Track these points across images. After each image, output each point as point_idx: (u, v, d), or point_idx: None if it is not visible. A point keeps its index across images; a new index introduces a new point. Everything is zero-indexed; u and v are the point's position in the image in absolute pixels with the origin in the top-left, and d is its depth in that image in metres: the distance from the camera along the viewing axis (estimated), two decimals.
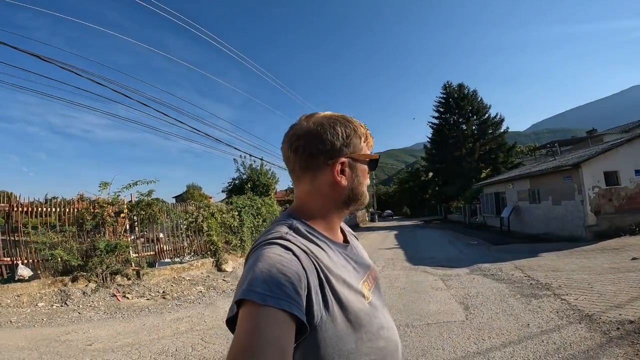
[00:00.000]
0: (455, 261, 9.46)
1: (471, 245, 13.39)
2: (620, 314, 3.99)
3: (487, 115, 33.32)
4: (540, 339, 3.54)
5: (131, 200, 7.85)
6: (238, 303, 0.57)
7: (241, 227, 10.54)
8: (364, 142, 0.79)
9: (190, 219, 8.96)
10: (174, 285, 7.03)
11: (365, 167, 0.79)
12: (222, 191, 17.44)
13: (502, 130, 32.70)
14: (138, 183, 7.71)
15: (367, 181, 0.81)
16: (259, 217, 11.86)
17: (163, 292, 6.62)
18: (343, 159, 0.76)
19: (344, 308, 0.65)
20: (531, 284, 6.01)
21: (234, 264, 9.16)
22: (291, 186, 28.11)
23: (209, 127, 63.14)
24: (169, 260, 8.12)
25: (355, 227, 30.66)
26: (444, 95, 35.23)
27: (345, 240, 0.84)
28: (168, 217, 8.61)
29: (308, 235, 0.72)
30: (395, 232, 22.93)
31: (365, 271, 0.80)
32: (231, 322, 0.58)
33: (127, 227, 7.73)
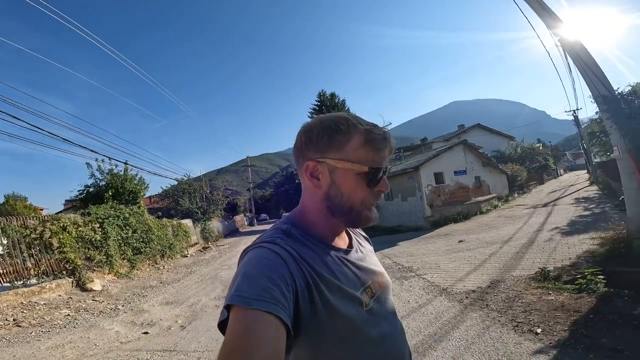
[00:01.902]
0: None
1: None
2: (464, 286, 5.28)
3: None
4: (421, 312, 4.44)
5: None
6: (227, 307, 0.58)
7: (106, 241, 9.16)
8: (368, 149, 0.70)
9: (33, 235, 7.32)
10: (26, 311, 5.74)
11: (355, 177, 0.70)
12: (70, 200, 14.60)
13: None
14: None
15: (362, 194, 0.71)
16: (128, 228, 10.52)
17: (14, 319, 5.38)
18: (311, 162, 0.72)
19: (334, 314, 0.64)
20: (399, 268, 7.28)
21: (103, 282, 7.97)
22: (161, 191, 25.55)
23: (44, 122, 50.81)
24: (8, 285, 6.49)
25: (235, 232, 29.95)
26: (318, 103, 37.93)
27: (350, 245, 0.82)
28: (4, 234, 6.83)
29: (301, 239, 0.71)
30: None
31: (370, 277, 0.78)
32: (222, 326, 0.59)
33: None
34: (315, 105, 38.24)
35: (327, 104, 37.32)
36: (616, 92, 5.12)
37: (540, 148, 32.61)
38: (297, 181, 49.96)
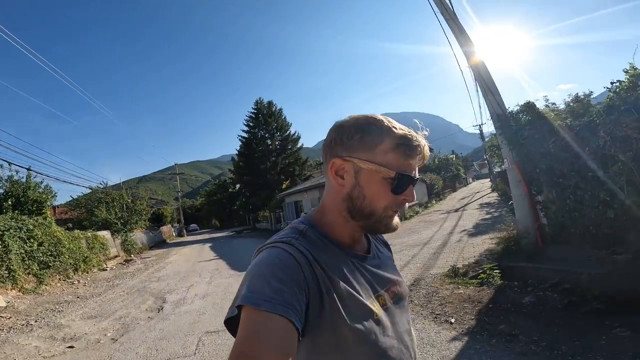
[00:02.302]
0: None
1: None
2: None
3: (288, 132, 37.74)
4: None
5: None
6: (238, 307, 0.58)
7: (7, 255, 8.02)
8: (398, 154, 0.67)
9: None
10: None
11: (380, 181, 0.67)
12: None
13: (298, 146, 37.84)
14: None
15: (386, 200, 0.68)
16: (32, 240, 9.31)
17: None
18: (338, 160, 0.70)
19: (341, 321, 0.63)
20: None
21: (7, 298, 7.09)
22: (72, 200, 22.71)
23: None
24: None
25: (162, 243, 27.89)
26: (255, 111, 37.44)
27: (368, 251, 0.80)
28: None
29: (317, 241, 0.70)
30: (209, 244, 22.74)
31: (385, 285, 0.76)
32: (229, 323, 0.60)
33: None
34: (251, 113, 37.74)
35: (264, 112, 37.14)
36: (508, 111, 6.00)
37: (454, 159, 36.79)
38: (230, 190, 48.24)
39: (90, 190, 22.18)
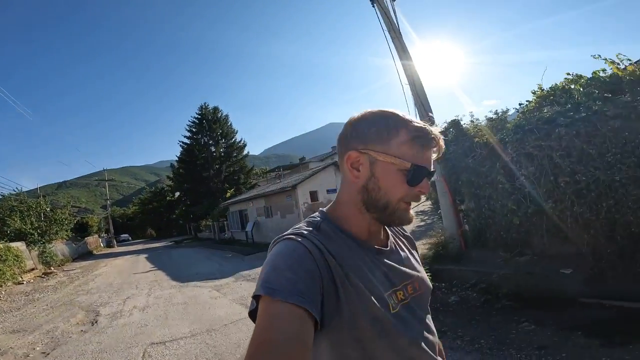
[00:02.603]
0: (219, 273, 10.33)
1: (227, 258, 14.71)
2: None
3: (233, 139, 36.88)
4: None
5: None
6: (256, 297, 0.60)
7: None
8: (414, 145, 0.68)
9: None
10: None
11: (395, 173, 0.68)
12: None
13: (244, 154, 37.12)
14: None
15: (401, 192, 0.69)
16: None
17: None
18: (354, 152, 0.70)
19: (357, 313, 0.63)
20: None
21: None
22: None
23: None
24: None
25: (88, 255, 25.32)
26: (199, 116, 36.07)
27: (386, 245, 0.79)
28: None
29: (332, 234, 0.70)
30: (145, 255, 21.27)
31: (403, 280, 0.75)
32: (252, 315, 0.61)
33: None
34: (195, 118, 36.34)
35: (209, 117, 35.97)
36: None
37: None
38: (168, 198, 45.38)
39: (2, 197, 19.45)
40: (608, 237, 3.76)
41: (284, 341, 0.51)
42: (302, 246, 0.64)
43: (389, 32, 6.64)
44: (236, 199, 24.37)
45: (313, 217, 0.76)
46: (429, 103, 6.80)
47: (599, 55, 4.00)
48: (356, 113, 0.74)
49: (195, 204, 33.89)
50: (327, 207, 0.79)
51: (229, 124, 37.26)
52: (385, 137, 0.68)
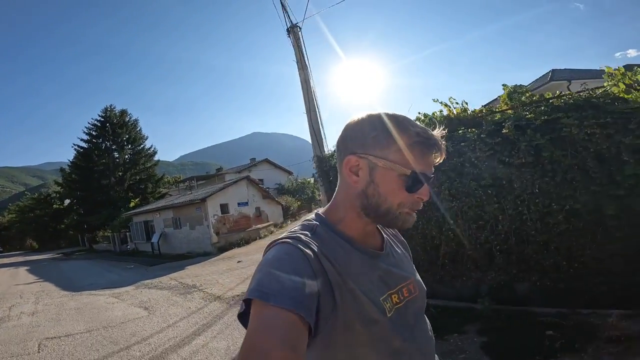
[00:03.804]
0: (119, 283, 10.11)
1: (129, 269, 14.09)
2: (233, 293, 6.87)
3: (142, 146, 34.51)
4: (199, 312, 5.88)
5: None
6: (247, 301, 0.59)
7: None
8: (414, 151, 0.67)
9: None
10: None
11: (395, 178, 0.67)
12: None
13: (153, 162, 34.92)
14: None
15: (400, 198, 0.68)
16: None
17: None
18: (353, 156, 0.69)
19: (352, 318, 0.63)
20: (184, 286, 8.33)
21: None
22: None
23: None
24: None
25: None
26: (102, 119, 32.93)
27: (381, 248, 0.79)
28: None
29: (328, 238, 0.70)
30: (26, 267, 18.82)
31: (399, 283, 0.75)
32: (241, 317, 0.61)
33: None
34: (97, 121, 33.10)
35: (114, 121, 33.10)
36: (326, 153, 7.05)
37: (310, 182, 40.62)
38: (55, 205, 39.42)
39: None
40: (422, 247, 5.00)
41: (275, 347, 0.51)
42: (297, 250, 0.63)
43: (297, 62, 7.59)
44: (141, 209, 23.07)
45: (309, 219, 0.76)
46: (320, 133, 7.95)
47: (437, 99, 4.66)
48: (356, 116, 0.73)
49: (91, 214, 30.53)
50: (323, 209, 0.78)
51: (138, 129, 34.77)
52: (385, 143, 0.67)
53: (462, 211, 4.06)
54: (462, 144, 4.05)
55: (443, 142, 0.70)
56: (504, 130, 3.68)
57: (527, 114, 3.71)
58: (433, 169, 0.71)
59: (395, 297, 0.72)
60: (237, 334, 4.53)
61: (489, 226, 3.91)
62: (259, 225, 18.69)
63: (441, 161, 0.72)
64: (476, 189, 3.93)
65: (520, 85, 4.40)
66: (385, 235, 0.83)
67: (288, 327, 0.53)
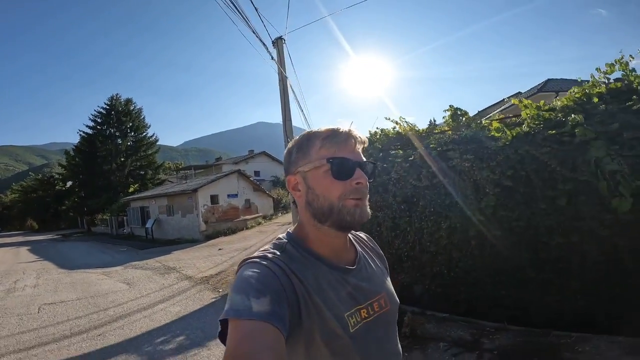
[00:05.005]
0: (111, 263, 11.42)
1: (121, 251, 15.28)
2: (203, 275, 8.12)
3: (144, 134, 35.65)
4: (170, 287, 7.24)
5: None
6: (223, 322, 0.61)
7: None
8: (328, 146, 0.72)
9: None
10: None
11: (323, 175, 0.72)
12: None
13: (154, 150, 36.05)
14: None
15: (337, 190, 0.71)
16: None
17: None
18: (291, 176, 0.77)
19: (316, 332, 0.66)
20: (165, 268, 9.64)
21: None
22: None
23: None
24: None
25: None
26: (107, 107, 34.11)
27: (354, 263, 0.80)
28: None
29: (295, 255, 0.73)
30: (27, 247, 20.16)
31: (369, 298, 0.77)
32: (221, 336, 0.62)
33: None
34: (102, 108, 34.32)
35: (119, 109, 34.28)
36: None
37: None
38: (57, 187, 40.59)
39: None
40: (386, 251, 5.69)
41: (257, 351, 0.53)
42: (265, 268, 0.66)
43: (279, 83, 7.96)
44: (139, 195, 24.18)
45: (280, 238, 0.79)
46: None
47: (388, 117, 4.96)
48: (289, 143, 0.79)
49: (91, 197, 31.76)
50: (292, 228, 0.81)
51: (141, 117, 35.89)
52: (305, 153, 0.74)
53: (384, 221, 4.55)
54: (384, 165, 4.66)
55: (358, 134, 0.75)
56: (410, 158, 4.42)
57: (432, 144, 4.33)
58: (363, 158, 0.75)
59: (364, 311, 0.74)
60: (190, 303, 5.87)
61: (402, 235, 4.41)
62: (247, 217, 19.85)
63: (365, 146, 0.77)
64: (393, 204, 4.47)
65: (459, 108, 4.67)
66: (360, 250, 0.85)
67: (267, 334, 0.56)
